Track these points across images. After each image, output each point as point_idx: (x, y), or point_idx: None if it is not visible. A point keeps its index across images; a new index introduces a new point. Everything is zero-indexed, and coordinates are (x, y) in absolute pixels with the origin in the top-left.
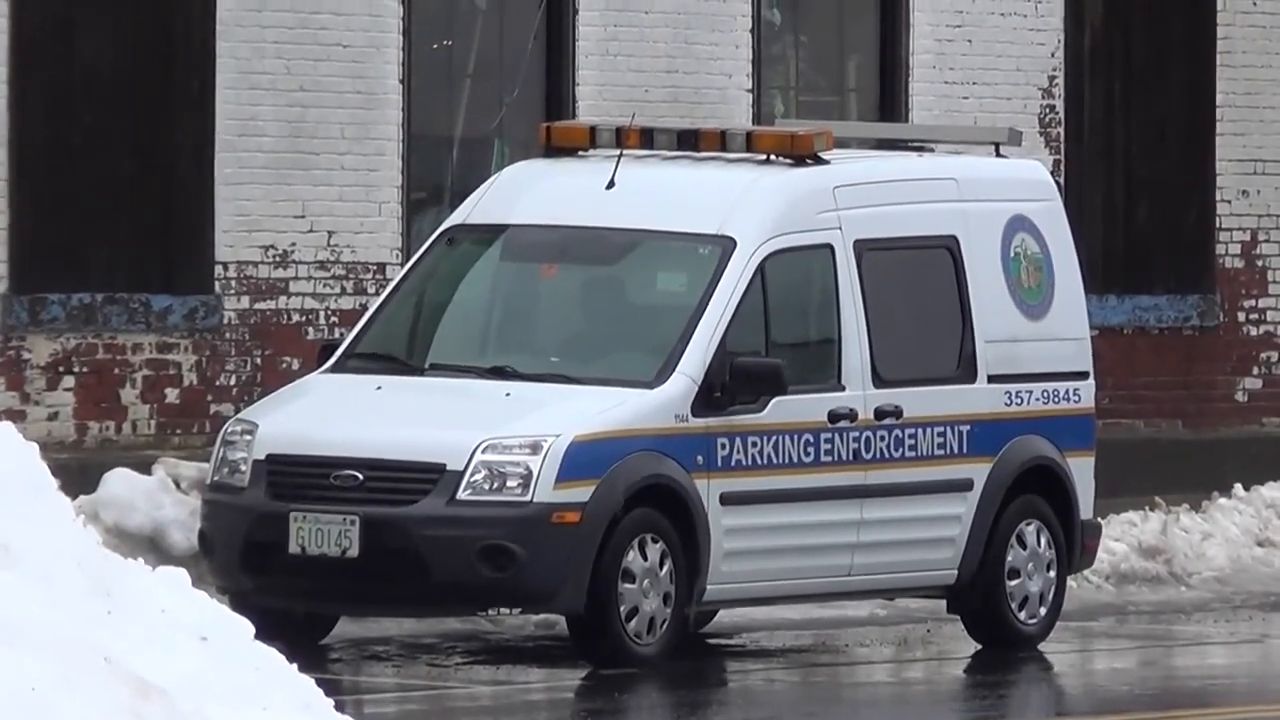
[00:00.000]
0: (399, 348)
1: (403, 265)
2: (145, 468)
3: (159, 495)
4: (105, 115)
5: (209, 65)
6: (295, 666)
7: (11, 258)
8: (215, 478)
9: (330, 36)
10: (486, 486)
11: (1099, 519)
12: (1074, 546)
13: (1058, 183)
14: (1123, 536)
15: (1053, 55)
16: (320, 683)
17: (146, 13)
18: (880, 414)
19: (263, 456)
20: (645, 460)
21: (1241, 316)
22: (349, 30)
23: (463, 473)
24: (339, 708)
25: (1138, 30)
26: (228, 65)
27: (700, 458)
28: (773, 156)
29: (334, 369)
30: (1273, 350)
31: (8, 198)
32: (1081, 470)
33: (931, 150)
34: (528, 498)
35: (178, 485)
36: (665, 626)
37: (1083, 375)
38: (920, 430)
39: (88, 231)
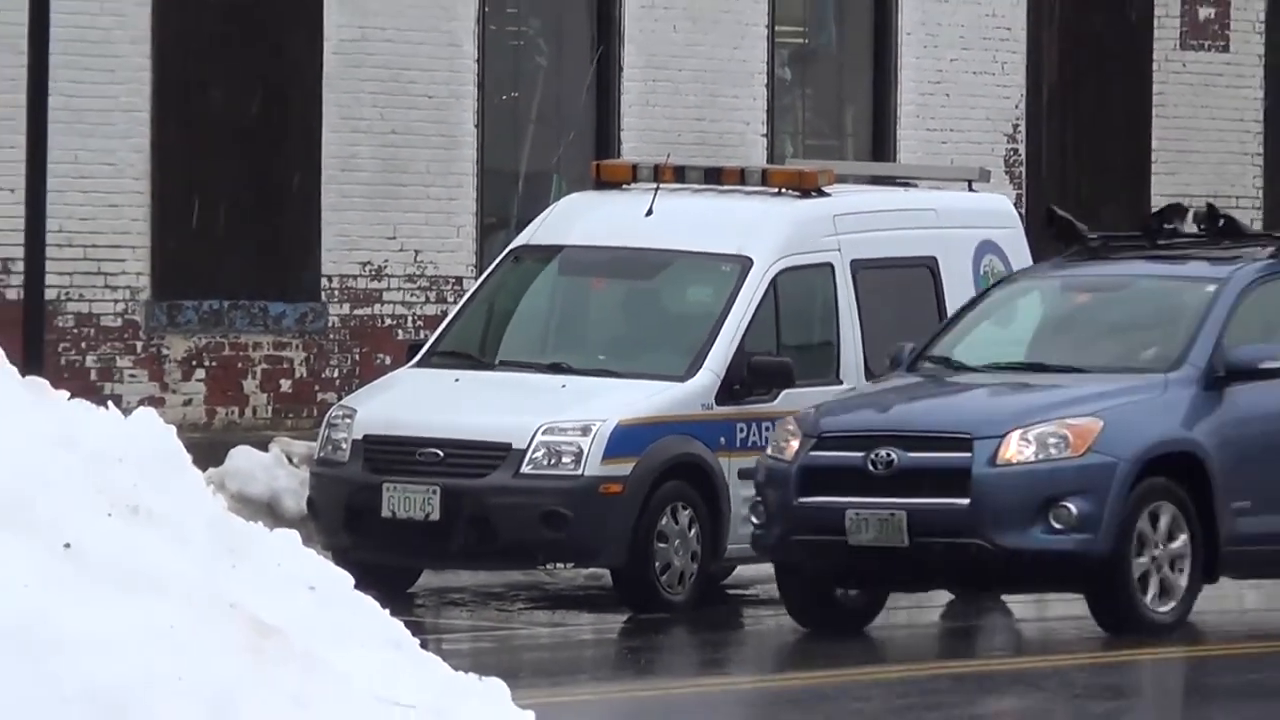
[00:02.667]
0: (473, 347)
1: (476, 278)
2: (263, 446)
3: (274, 469)
4: (230, 154)
5: (316, 112)
6: (387, 611)
7: (153, 271)
8: (321, 454)
9: (417, 89)
10: (545, 462)
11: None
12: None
13: (1020, 213)
14: None
15: (1016, 107)
16: (408, 625)
17: (265, 68)
18: None
19: (360, 436)
20: (677, 441)
21: None
22: (433, 83)
23: (525, 450)
24: (423, 646)
25: (1086, 87)
26: (332, 112)
27: (723, 439)
28: (783, 190)
29: (419, 364)
30: None
31: (150, 221)
32: None
33: (915, 185)
34: (580, 471)
35: (290, 460)
36: (693, 579)
37: None
38: None
39: (215, 249)
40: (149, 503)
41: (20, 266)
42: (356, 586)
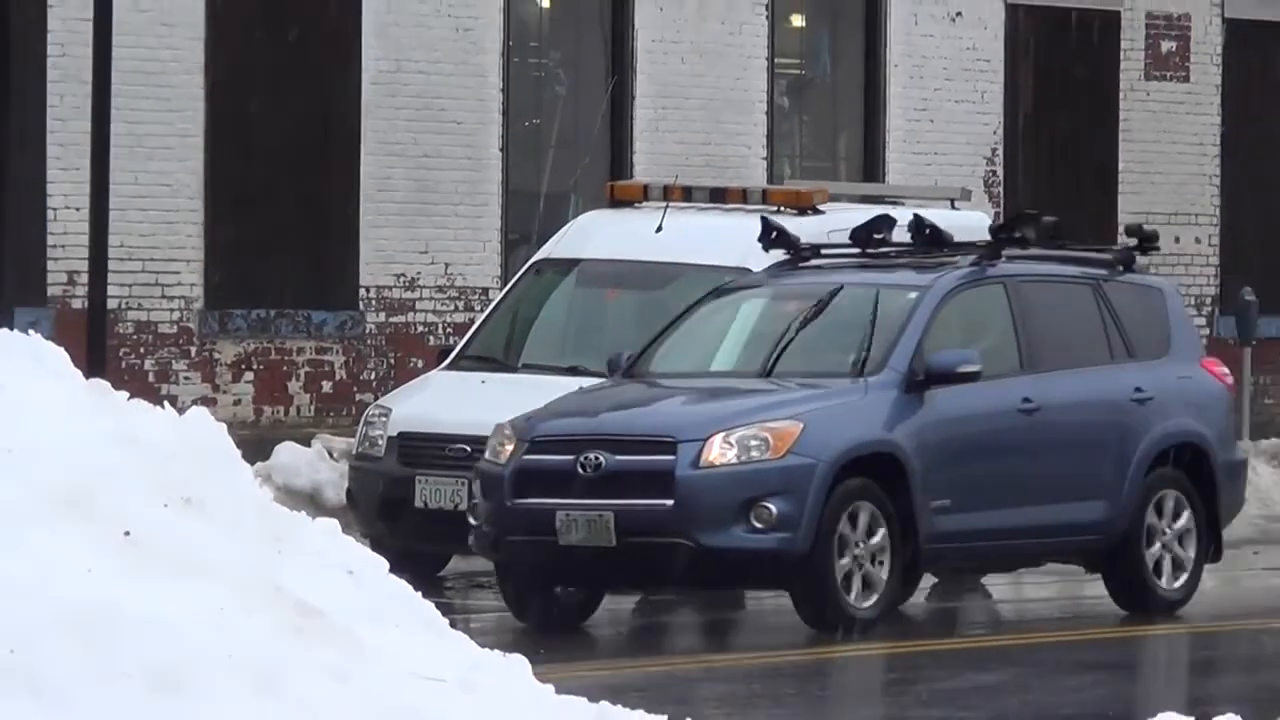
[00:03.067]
0: (498, 351)
1: (501, 289)
2: (306, 442)
3: (316, 463)
4: (277, 175)
5: (355, 137)
6: (419, 594)
7: (206, 282)
8: (359, 449)
9: (447, 115)
10: None
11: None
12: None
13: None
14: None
15: (994, 133)
16: (438, 606)
17: (308, 97)
18: None
19: (395, 433)
20: None
21: None
22: (461, 111)
23: None
24: (452, 625)
25: (1058, 113)
26: (369, 137)
27: None
28: (781, 208)
29: (449, 367)
30: None
31: (203, 236)
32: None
33: (902, 204)
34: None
35: (331, 455)
36: None
37: None
38: None
39: (263, 262)
40: (201, 494)
41: (84, 279)
42: (391, 571)
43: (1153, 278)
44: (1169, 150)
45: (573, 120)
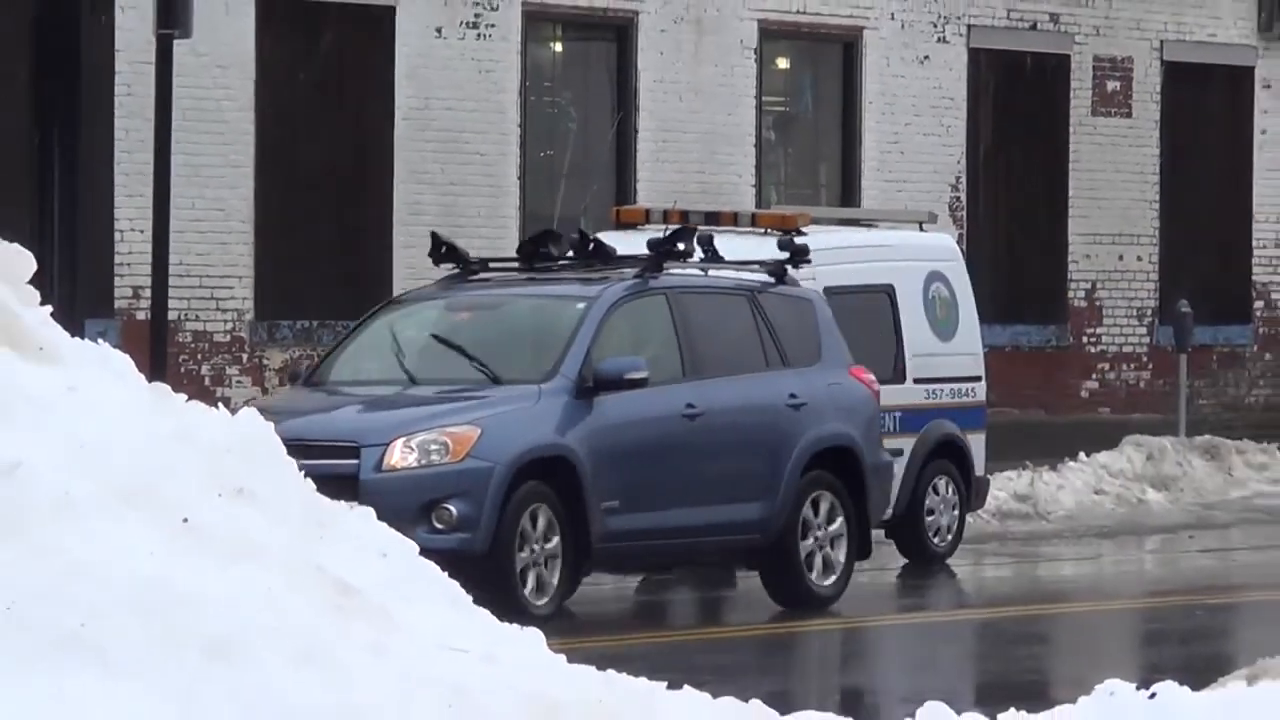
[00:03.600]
0: None
1: None
2: None
3: None
4: (319, 201)
5: (389, 167)
6: (445, 574)
7: (256, 296)
8: None
9: (470, 148)
10: None
11: (988, 475)
12: (974, 494)
13: (961, 249)
14: (1004, 488)
15: (958, 163)
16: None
17: (347, 131)
18: None
19: None
20: None
21: (1084, 340)
22: (483, 143)
23: None
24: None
25: (1014, 146)
26: (401, 167)
27: None
28: (768, 230)
29: None
30: (1105, 363)
31: (253, 256)
32: (976, 442)
33: (875, 226)
34: None
35: None
36: None
37: (977, 379)
38: None
39: (306, 279)
40: (252, 485)
41: (148, 293)
42: (421, 554)
43: (803, 289)
44: (1114, 178)
45: (583, 152)
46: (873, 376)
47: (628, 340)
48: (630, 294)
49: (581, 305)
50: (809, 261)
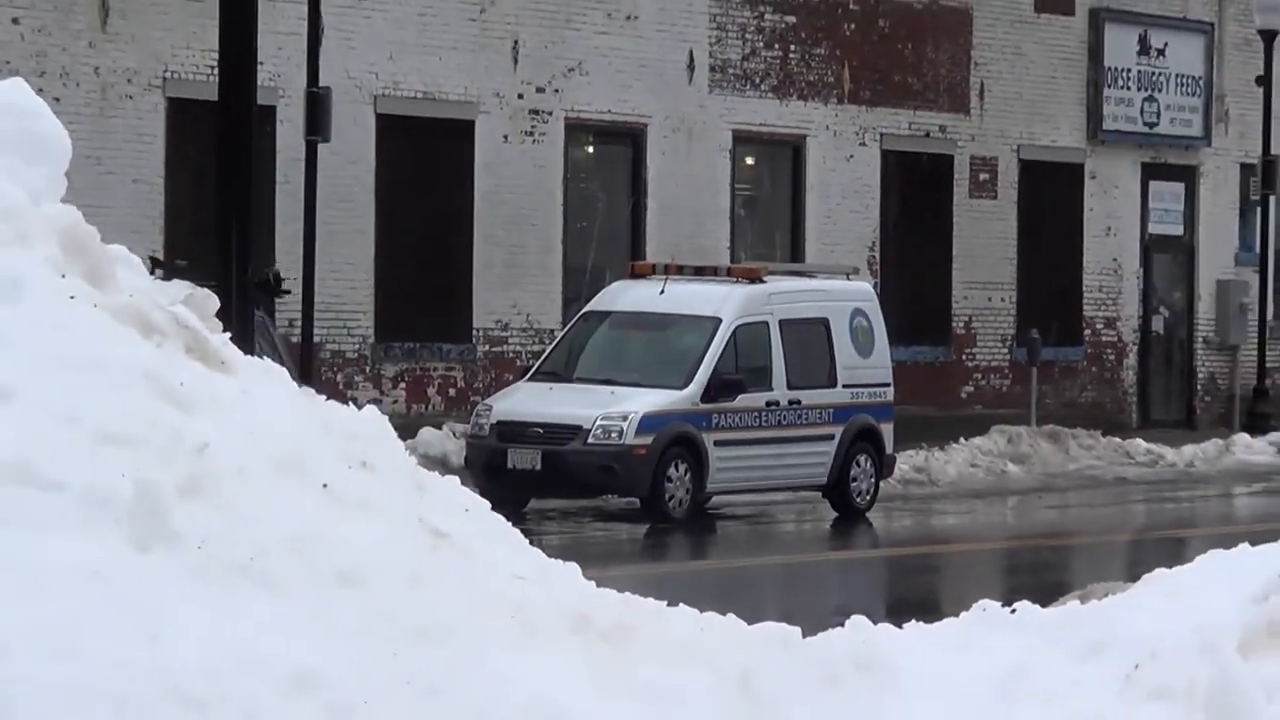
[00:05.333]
0: (560, 369)
1: (561, 330)
2: (438, 426)
3: (445, 441)
4: (422, 256)
5: (469, 231)
6: (510, 523)
7: (376, 325)
8: (472, 432)
9: (527, 219)
10: (603, 436)
11: (895, 454)
12: (883, 467)
13: (876, 292)
14: (906, 462)
15: (874, 232)
16: (522, 532)
17: (440, 205)
18: (790, 403)
19: (495, 421)
20: (678, 424)
21: (963, 357)
22: (537, 216)
23: (590, 429)
24: (531, 543)
25: (914, 220)
26: (480, 231)
27: (705, 423)
28: (739, 279)
29: (529, 380)
30: (978, 373)
31: (374, 297)
32: (887, 430)
33: (815, 276)
34: (622, 442)
35: (454, 435)
36: (687, 503)
37: (888, 385)
38: (809, 410)
39: (412, 312)
40: (372, 460)
41: (299, 323)
42: (491, 510)
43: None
44: (984, 243)
45: (607, 223)
46: None
47: None
48: None
49: None
50: (286, 292)
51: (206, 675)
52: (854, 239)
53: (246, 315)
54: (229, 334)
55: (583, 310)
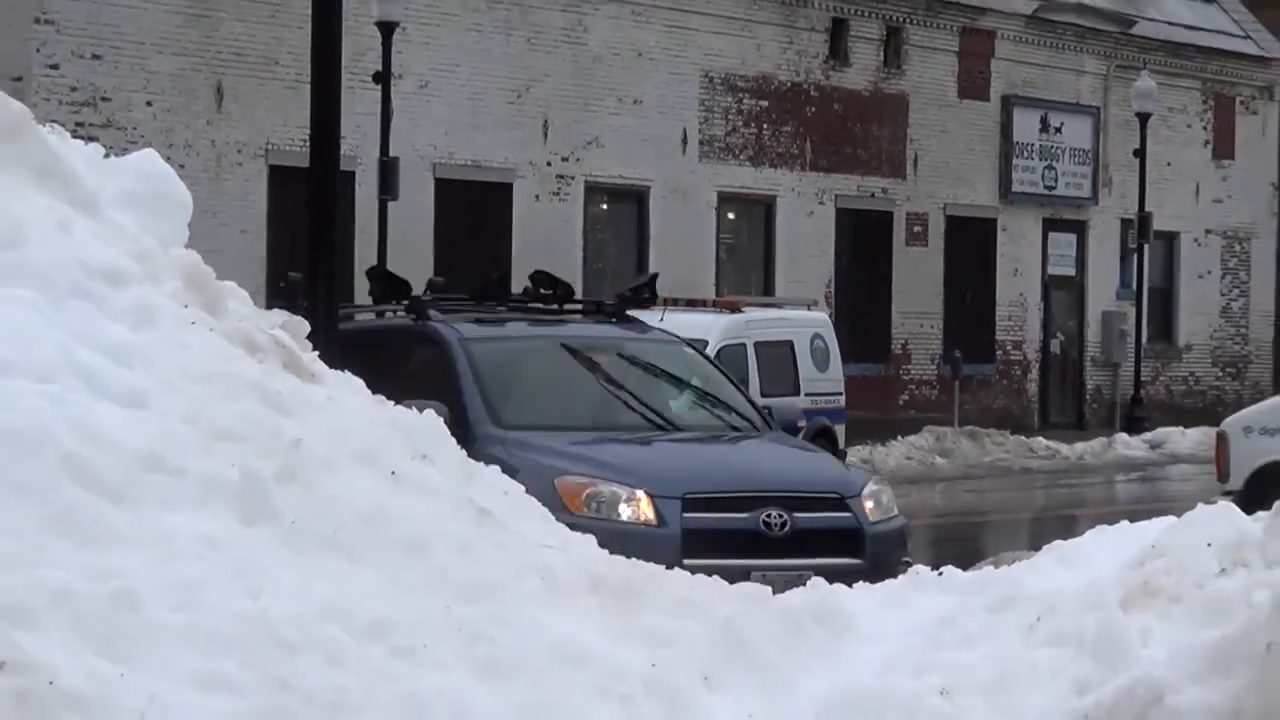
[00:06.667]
0: None
1: None
2: None
3: None
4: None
5: (508, 271)
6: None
7: None
8: None
9: (553, 262)
10: None
11: (846, 449)
12: (838, 458)
13: (831, 320)
14: (855, 455)
15: (830, 272)
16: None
17: (485, 250)
18: (763, 407)
19: None
20: None
21: (900, 372)
22: (562, 261)
23: None
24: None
25: (861, 263)
26: (516, 271)
27: None
28: (722, 310)
29: None
30: (912, 385)
31: None
32: (840, 430)
33: (783, 307)
34: None
35: None
36: None
37: (840, 394)
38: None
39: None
40: (430, 453)
41: None
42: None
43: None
44: (918, 283)
45: (618, 264)
46: None
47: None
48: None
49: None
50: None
51: (298, 623)
52: (813, 278)
53: (332, 337)
54: (316, 352)
55: None
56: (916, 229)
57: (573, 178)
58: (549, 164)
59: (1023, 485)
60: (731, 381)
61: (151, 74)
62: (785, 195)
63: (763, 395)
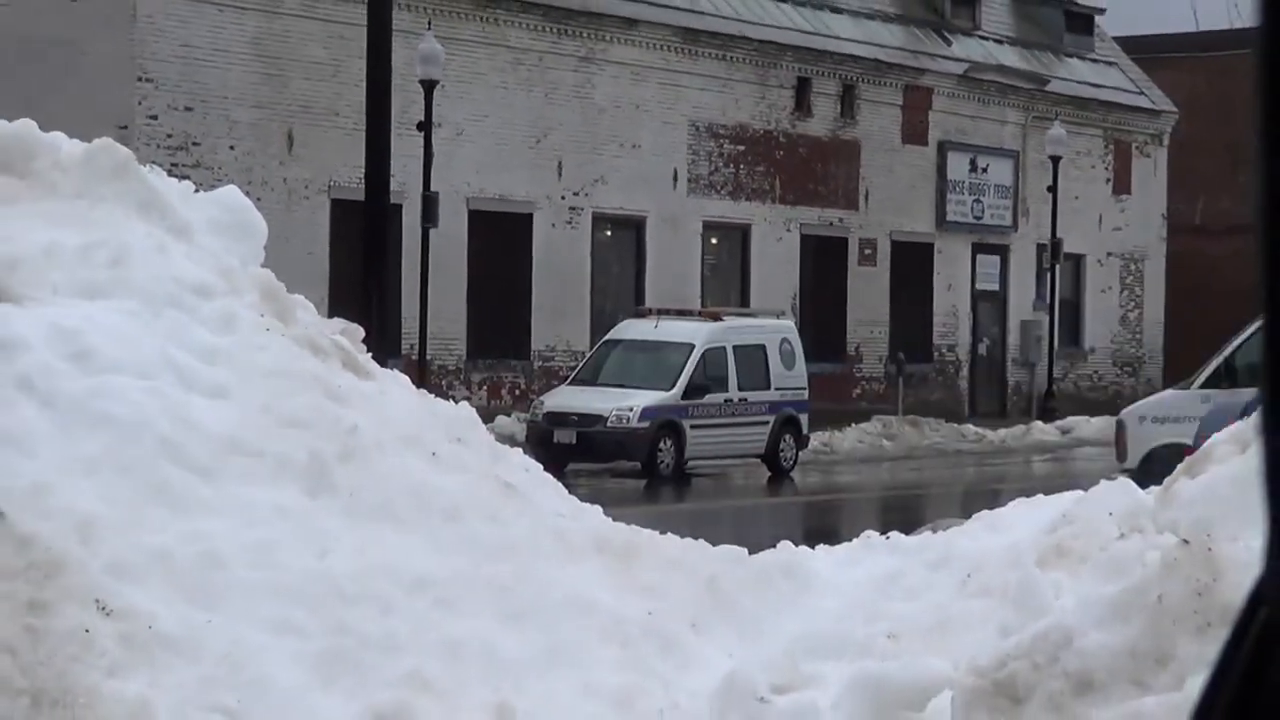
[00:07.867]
0: (589, 377)
1: (589, 352)
2: (508, 414)
3: (514, 424)
4: (494, 305)
5: (529, 290)
6: (554, 479)
7: (467, 347)
8: (530, 418)
9: (566, 280)
10: (618, 421)
11: (809, 434)
12: (801, 442)
13: (796, 327)
14: (816, 439)
15: (795, 287)
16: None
17: (509, 271)
18: (740, 400)
19: (546, 411)
20: (667, 413)
21: (854, 370)
22: (573, 280)
23: (608, 416)
24: (570, 493)
25: (822, 281)
26: (537, 290)
27: (684, 413)
28: (706, 318)
29: (569, 384)
30: (864, 380)
31: (465, 328)
32: (804, 419)
33: (757, 316)
34: (630, 425)
35: (519, 420)
36: (673, 466)
37: (804, 388)
38: (752, 405)
39: (490, 339)
40: (465, 437)
41: (416, 345)
42: (543, 470)
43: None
44: (869, 296)
45: (620, 282)
46: None
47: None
48: None
49: None
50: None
51: (356, 579)
52: (781, 292)
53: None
54: (370, 354)
55: (603, 339)
56: (867, 251)
57: (582, 209)
58: (563, 198)
59: (955, 464)
60: None
61: (234, 123)
62: (759, 223)
63: (739, 389)
